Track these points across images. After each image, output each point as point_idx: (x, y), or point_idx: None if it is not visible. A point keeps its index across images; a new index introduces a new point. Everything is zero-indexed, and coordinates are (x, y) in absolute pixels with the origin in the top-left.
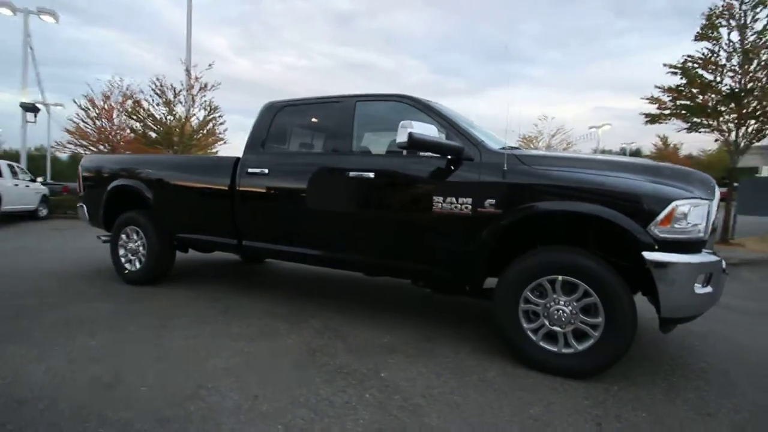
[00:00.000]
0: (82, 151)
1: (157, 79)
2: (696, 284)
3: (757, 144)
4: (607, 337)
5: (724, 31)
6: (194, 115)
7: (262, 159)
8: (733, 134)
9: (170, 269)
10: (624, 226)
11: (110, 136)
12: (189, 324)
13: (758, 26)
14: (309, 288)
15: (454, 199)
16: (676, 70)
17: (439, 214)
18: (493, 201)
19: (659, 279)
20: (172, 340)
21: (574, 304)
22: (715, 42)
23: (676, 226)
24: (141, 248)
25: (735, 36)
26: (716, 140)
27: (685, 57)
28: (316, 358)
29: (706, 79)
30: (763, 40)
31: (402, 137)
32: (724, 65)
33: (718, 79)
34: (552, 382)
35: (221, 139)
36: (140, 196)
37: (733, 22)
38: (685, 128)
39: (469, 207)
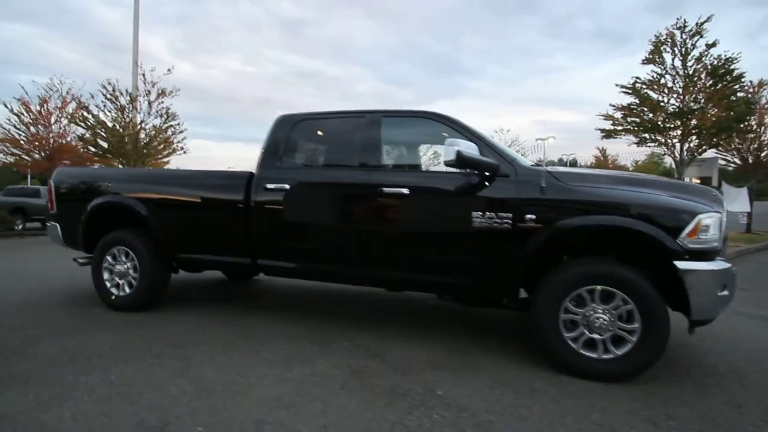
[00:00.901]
0: (11, 160)
1: (109, 83)
2: (717, 289)
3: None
4: (644, 341)
5: (668, 56)
6: (147, 123)
7: (282, 174)
8: (678, 149)
9: (164, 293)
10: (659, 238)
11: (45, 144)
12: (212, 352)
13: (696, 53)
14: (318, 306)
15: (493, 215)
16: (628, 90)
17: (479, 229)
18: (533, 216)
19: (690, 285)
20: (202, 371)
21: (612, 312)
22: (661, 66)
23: (701, 237)
24: (131, 271)
25: (678, 62)
26: (663, 154)
27: (635, 78)
28: (363, 380)
29: (655, 99)
30: (701, 65)
31: (450, 155)
32: (671, 87)
33: (666, 99)
34: (594, 387)
35: (180, 149)
36: (132, 213)
37: (675, 50)
38: (635, 142)
39: (510, 222)
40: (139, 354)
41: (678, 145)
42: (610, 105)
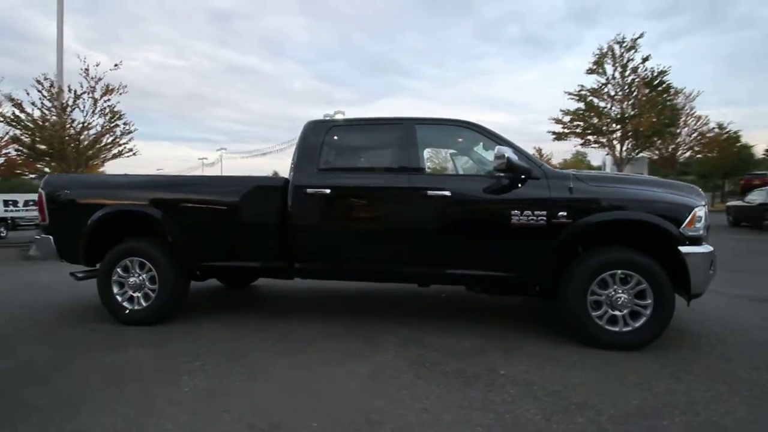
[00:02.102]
0: None
1: (45, 79)
2: (708, 268)
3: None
4: (655, 314)
5: (609, 67)
6: (91, 122)
7: (321, 179)
8: (617, 150)
9: (183, 303)
10: (667, 228)
11: None
12: (266, 356)
13: (632, 65)
14: (332, 305)
15: (530, 212)
16: (575, 97)
17: (518, 226)
18: (564, 213)
19: (691, 265)
20: (272, 375)
21: (630, 291)
22: (603, 75)
23: (696, 225)
24: (147, 282)
25: (617, 73)
26: (606, 154)
27: (580, 86)
28: (430, 368)
29: (599, 106)
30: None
31: (501, 161)
32: (613, 96)
33: (609, 106)
34: (619, 356)
35: (129, 150)
36: (149, 222)
37: (615, 62)
38: (581, 144)
39: (545, 219)
40: (196, 365)
41: (618, 146)
42: (560, 110)
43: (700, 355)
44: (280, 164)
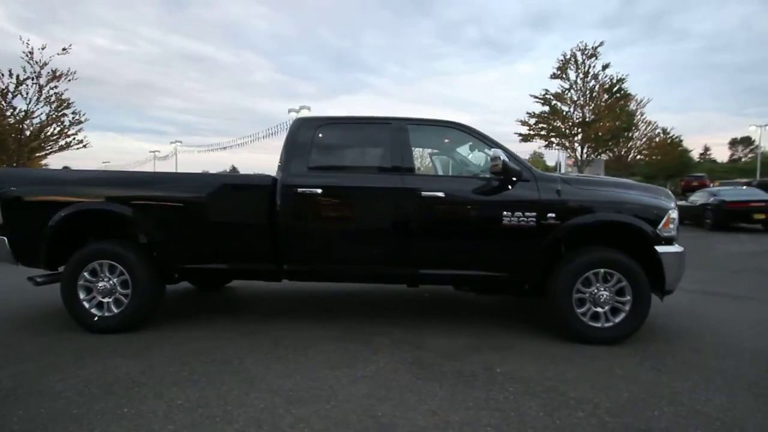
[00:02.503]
0: None
1: None
2: (680, 266)
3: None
4: (634, 310)
5: (572, 73)
6: (35, 111)
7: (312, 178)
8: (579, 152)
9: (157, 308)
10: (645, 230)
11: None
12: (262, 362)
13: (593, 72)
14: (320, 307)
15: (521, 214)
16: (540, 100)
17: (509, 227)
18: (553, 215)
19: (666, 264)
20: (271, 382)
21: (611, 289)
22: (566, 81)
23: (670, 227)
24: (119, 287)
25: (579, 79)
26: (568, 156)
27: (545, 90)
28: (428, 369)
29: (563, 110)
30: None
31: (497, 164)
32: (575, 101)
33: (571, 110)
34: (603, 350)
35: (78, 142)
36: (120, 222)
37: (577, 68)
38: (545, 145)
39: (534, 220)
40: (184, 375)
41: (579, 149)
42: (527, 113)
43: (673, 348)
44: (238, 159)
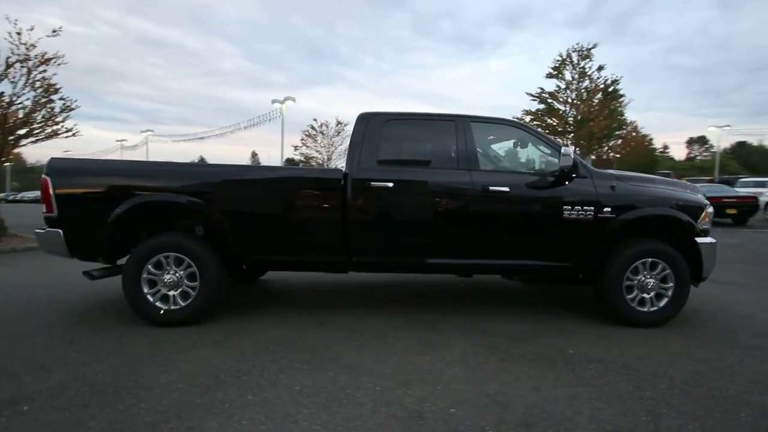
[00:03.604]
0: None
1: None
2: (714, 256)
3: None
4: (676, 295)
5: (568, 73)
6: (20, 96)
7: (383, 172)
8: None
9: (226, 300)
10: (690, 222)
11: None
12: (355, 351)
13: (588, 73)
14: (370, 296)
15: (580, 208)
16: (536, 98)
17: (569, 220)
18: (609, 209)
19: (704, 254)
20: (370, 367)
21: (656, 276)
22: (562, 80)
23: (707, 220)
24: (186, 279)
25: (575, 78)
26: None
27: (540, 89)
28: (507, 352)
29: (559, 109)
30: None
31: (567, 161)
32: (571, 101)
33: (567, 109)
34: (650, 332)
35: (68, 130)
36: (191, 214)
37: (572, 69)
38: None
39: (592, 213)
40: (283, 363)
41: (572, 147)
42: (523, 111)
43: (708, 329)
44: (207, 149)
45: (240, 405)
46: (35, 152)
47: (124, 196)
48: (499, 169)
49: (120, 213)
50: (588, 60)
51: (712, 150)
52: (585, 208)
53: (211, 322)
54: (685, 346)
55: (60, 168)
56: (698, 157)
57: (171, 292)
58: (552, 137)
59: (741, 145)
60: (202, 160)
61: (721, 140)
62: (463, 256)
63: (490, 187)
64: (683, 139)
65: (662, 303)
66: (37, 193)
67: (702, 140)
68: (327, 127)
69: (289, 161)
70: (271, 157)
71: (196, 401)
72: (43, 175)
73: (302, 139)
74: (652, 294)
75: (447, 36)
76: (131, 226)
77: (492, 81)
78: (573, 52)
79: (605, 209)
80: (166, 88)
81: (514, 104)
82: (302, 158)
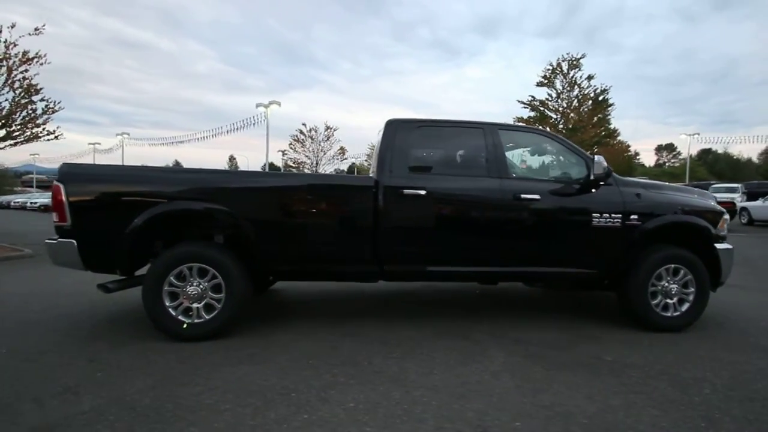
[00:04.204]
0: None
1: None
2: (731, 261)
3: None
4: (698, 299)
5: (558, 82)
6: None
7: (415, 180)
8: None
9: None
10: (710, 229)
11: None
12: (396, 364)
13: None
14: (390, 306)
15: (608, 215)
16: (528, 106)
17: (598, 227)
18: (636, 216)
19: (723, 259)
20: (416, 380)
21: (679, 282)
22: (553, 89)
23: (724, 227)
24: (210, 291)
25: (566, 87)
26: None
27: (531, 97)
28: (550, 361)
29: (551, 117)
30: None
31: (599, 169)
32: (562, 110)
33: (558, 117)
34: (674, 337)
35: (50, 133)
36: (217, 222)
37: (563, 77)
38: None
39: (620, 221)
40: (326, 378)
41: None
42: (513, 117)
43: (726, 332)
44: (181, 154)
45: (297, 425)
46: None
47: (146, 204)
48: (527, 176)
49: (143, 221)
50: (577, 69)
51: (680, 157)
52: (613, 215)
53: (235, 335)
54: (712, 350)
55: (74, 174)
56: (667, 164)
57: (194, 305)
58: (576, 146)
59: (707, 152)
60: (177, 164)
61: (690, 147)
62: (495, 264)
63: (522, 195)
64: (652, 146)
65: (684, 308)
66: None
67: (670, 147)
68: (316, 131)
69: (272, 167)
70: (251, 161)
71: (249, 422)
72: (55, 182)
73: (291, 144)
74: (675, 299)
75: (424, 43)
76: (149, 235)
77: (469, 88)
78: (563, 61)
79: (632, 216)
80: (140, 91)
81: (492, 111)
82: (291, 163)
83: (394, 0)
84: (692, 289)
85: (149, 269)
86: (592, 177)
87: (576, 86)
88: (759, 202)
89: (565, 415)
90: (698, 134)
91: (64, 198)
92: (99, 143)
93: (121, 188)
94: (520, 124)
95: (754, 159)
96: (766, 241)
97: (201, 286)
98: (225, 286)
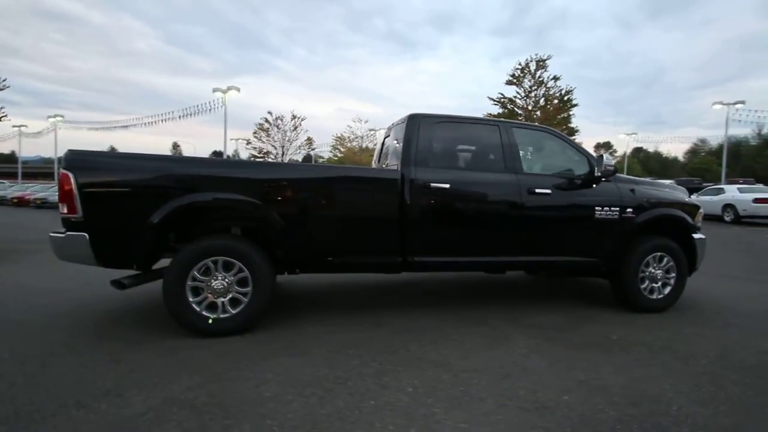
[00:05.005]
0: None
1: None
2: (704, 250)
3: None
4: (678, 283)
5: (527, 81)
6: None
7: (439, 173)
8: None
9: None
10: (689, 221)
11: None
12: (437, 352)
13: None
14: (395, 297)
15: (608, 208)
16: (498, 103)
17: (599, 219)
18: (631, 210)
19: (699, 248)
20: (458, 364)
21: (663, 268)
22: (520, 87)
23: (700, 219)
24: (236, 285)
25: (533, 86)
26: None
27: (500, 94)
28: (566, 342)
29: (519, 114)
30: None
31: (610, 168)
32: (531, 108)
33: (523, 115)
34: (659, 317)
35: None
36: (243, 214)
37: (531, 77)
38: None
39: (617, 213)
40: (374, 367)
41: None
42: (484, 114)
43: (714, 315)
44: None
45: (369, 411)
46: None
47: (169, 194)
48: (538, 172)
49: (167, 213)
50: (543, 69)
51: (616, 154)
52: (612, 208)
53: (259, 329)
54: (695, 327)
55: (85, 162)
56: None
57: (219, 300)
58: (579, 145)
59: (638, 151)
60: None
61: (627, 146)
62: (511, 254)
63: (536, 190)
64: (592, 144)
65: (666, 291)
66: None
67: (607, 145)
68: (282, 120)
69: (216, 153)
70: (198, 149)
71: (320, 411)
72: (62, 170)
73: (255, 132)
74: (659, 284)
75: (380, 34)
76: (168, 227)
77: (425, 81)
78: (531, 61)
79: (628, 210)
80: (68, 68)
81: (448, 105)
82: (256, 153)
83: None
84: (673, 275)
85: (172, 263)
86: (597, 173)
87: (543, 86)
88: (693, 198)
89: (602, 388)
90: (636, 134)
91: (74, 188)
92: (25, 126)
93: (142, 177)
94: (530, 123)
95: (680, 158)
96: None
97: (226, 280)
98: (252, 279)
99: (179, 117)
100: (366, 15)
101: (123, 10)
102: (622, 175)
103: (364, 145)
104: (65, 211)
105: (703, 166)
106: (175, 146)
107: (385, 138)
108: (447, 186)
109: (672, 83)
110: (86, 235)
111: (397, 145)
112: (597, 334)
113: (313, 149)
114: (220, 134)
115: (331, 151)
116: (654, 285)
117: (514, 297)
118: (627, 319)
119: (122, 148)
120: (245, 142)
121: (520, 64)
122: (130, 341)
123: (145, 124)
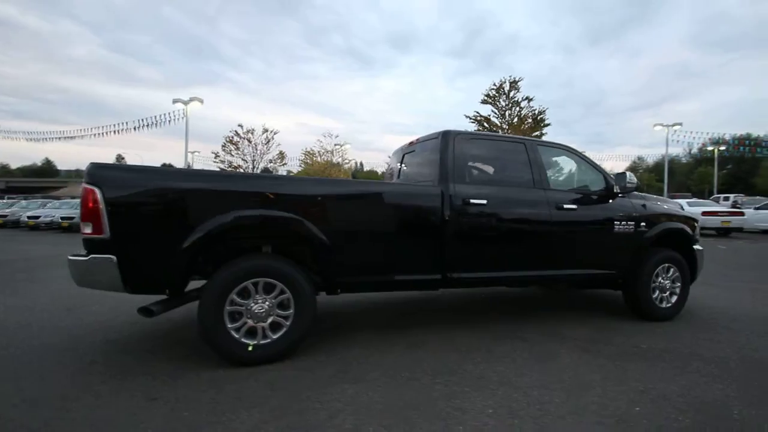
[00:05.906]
0: None
1: None
2: (702, 261)
3: None
4: (683, 293)
5: (502, 101)
6: None
7: (477, 189)
8: None
9: None
10: (691, 234)
11: None
12: (478, 368)
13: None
14: (428, 312)
15: (625, 222)
16: (474, 121)
17: (618, 233)
18: (644, 224)
19: (699, 259)
20: (517, 382)
21: (670, 279)
22: (495, 107)
23: (698, 232)
24: (277, 309)
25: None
26: None
27: (476, 113)
28: (605, 353)
29: (495, 131)
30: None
31: (632, 183)
32: (505, 128)
33: (499, 132)
34: (669, 324)
35: None
36: (284, 233)
37: (506, 97)
38: None
39: (632, 227)
40: (438, 389)
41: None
42: None
43: (710, 321)
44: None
45: (468, 417)
46: None
47: (209, 212)
48: (562, 188)
49: (207, 232)
50: (516, 90)
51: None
52: (628, 222)
53: (297, 355)
54: (702, 332)
55: (113, 177)
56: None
57: (259, 324)
58: (595, 162)
59: None
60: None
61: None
62: (540, 268)
63: (564, 205)
64: None
65: (673, 300)
66: None
67: None
68: (252, 134)
69: (165, 165)
70: (145, 160)
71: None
72: (85, 185)
73: (224, 145)
74: (667, 293)
75: (338, 50)
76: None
77: (382, 98)
78: (504, 82)
79: (642, 224)
80: None
81: (405, 122)
82: (224, 166)
83: (308, 2)
84: (679, 284)
85: (207, 286)
86: (616, 189)
87: (516, 106)
88: None
89: (664, 396)
90: (585, 152)
91: (101, 205)
92: None
93: (177, 193)
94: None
95: None
96: None
97: (267, 303)
98: (294, 302)
99: (134, 128)
100: (324, 31)
101: (62, 14)
102: (637, 192)
103: (334, 160)
104: (89, 231)
105: (643, 182)
106: (119, 158)
107: (403, 155)
108: (485, 202)
109: (612, 106)
110: (114, 257)
111: (419, 162)
112: (628, 344)
113: (284, 164)
114: (169, 146)
115: (300, 165)
116: (663, 295)
117: (535, 310)
118: (645, 329)
119: (59, 162)
120: (214, 155)
121: (495, 84)
122: (160, 375)
123: (94, 135)
